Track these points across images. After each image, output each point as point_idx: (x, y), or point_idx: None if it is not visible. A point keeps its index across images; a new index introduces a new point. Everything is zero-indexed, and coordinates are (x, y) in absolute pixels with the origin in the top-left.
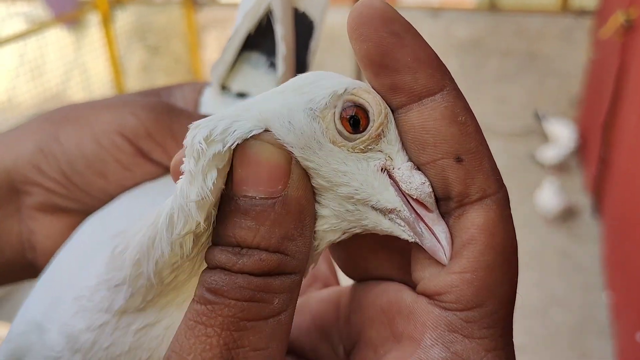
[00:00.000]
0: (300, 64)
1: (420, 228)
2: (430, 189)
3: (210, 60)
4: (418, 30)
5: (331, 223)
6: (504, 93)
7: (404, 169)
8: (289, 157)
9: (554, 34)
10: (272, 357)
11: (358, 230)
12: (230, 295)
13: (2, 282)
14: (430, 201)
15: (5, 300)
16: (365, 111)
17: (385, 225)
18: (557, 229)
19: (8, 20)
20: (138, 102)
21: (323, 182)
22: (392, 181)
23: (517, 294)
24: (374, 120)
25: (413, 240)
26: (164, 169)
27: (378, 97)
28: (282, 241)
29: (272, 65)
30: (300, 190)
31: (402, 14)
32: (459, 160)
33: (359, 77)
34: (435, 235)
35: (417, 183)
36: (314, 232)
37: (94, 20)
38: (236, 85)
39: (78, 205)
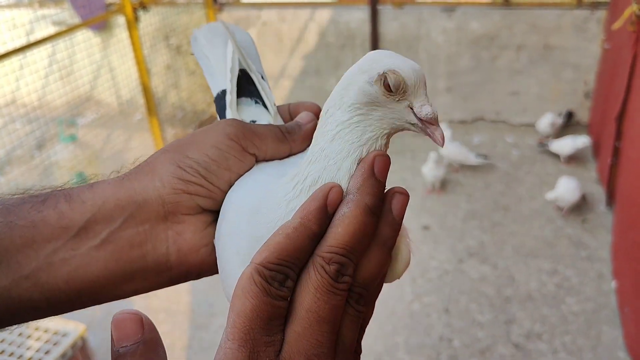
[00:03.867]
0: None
1: (427, 131)
2: (433, 114)
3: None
4: (434, 26)
5: (389, 127)
6: (518, 86)
7: (418, 106)
8: None
9: (568, 26)
10: None
11: (398, 130)
12: None
13: (141, 287)
14: (433, 119)
15: None
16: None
17: (411, 129)
18: (572, 219)
19: (36, 23)
20: (226, 120)
21: (383, 114)
22: (413, 112)
23: (530, 283)
24: (396, 87)
25: (422, 133)
26: (255, 157)
27: (400, 74)
28: None
29: (256, 101)
30: None
31: (418, 11)
32: None
33: None
34: (433, 135)
35: (425, 112)
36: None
37: (119, 22)
38: (245, 117)
39: (213, 204)
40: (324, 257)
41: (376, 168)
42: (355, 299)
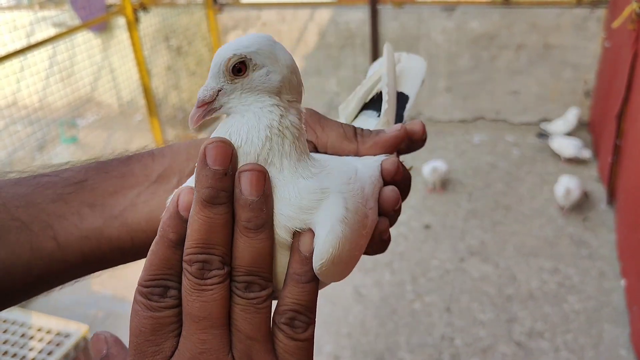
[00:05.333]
0: (399, 117)
1: None
2: (198, 97)
3: None
4: (434, 26)
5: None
6: (518, 85)
7: None
8: None
9: (567, 25)
10: None
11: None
12: None
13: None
14: (198, 102)
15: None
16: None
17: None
18: (573, 217)
19: (36, 25)
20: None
21: None
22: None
23: (532, 282)
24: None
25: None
26: (313, 144)
27: None
28: None
29: (378, 115)
30: None
31: (418, 10)
32: None
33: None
34: None
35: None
36: None
37: (120, 23)
38: (357, 124)
39: None
40: (185, 260)
41: (208, 158)
42: (240, 288)
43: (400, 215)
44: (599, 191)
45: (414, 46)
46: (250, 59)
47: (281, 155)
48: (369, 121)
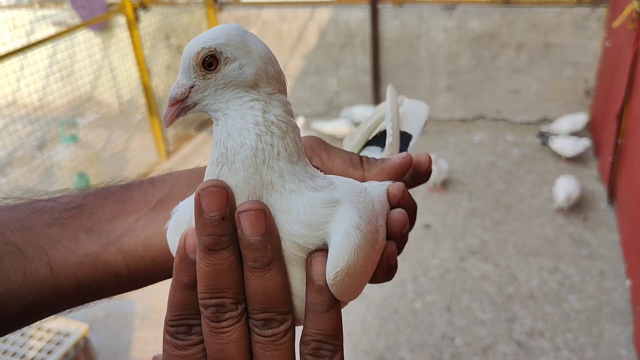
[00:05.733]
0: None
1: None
2: (170, 94)
3: None
4: (434, 25)
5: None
6: (518, 84)
7: None
8: None
9: (568, 24)
10: None
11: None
12: None
13: (120, 287)
14: (170, 100)
15: None
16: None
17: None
18: (573, 217)
19: (36, 24)
20: (309, 135)
21: None
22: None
23: (532, 281)
24: None
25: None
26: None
27: None
28: None
29: (382, 150)
30: None
31: (418, 9)
32: None
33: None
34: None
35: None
36: None
37: (120, 22)
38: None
39: None
40: (200, 304)
41: (203, 205)
42: (258, 325)
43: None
44: (600, 190)
45: (415, 45)
46: (221, 51)
47: (276, 155)
48: (373, 155)
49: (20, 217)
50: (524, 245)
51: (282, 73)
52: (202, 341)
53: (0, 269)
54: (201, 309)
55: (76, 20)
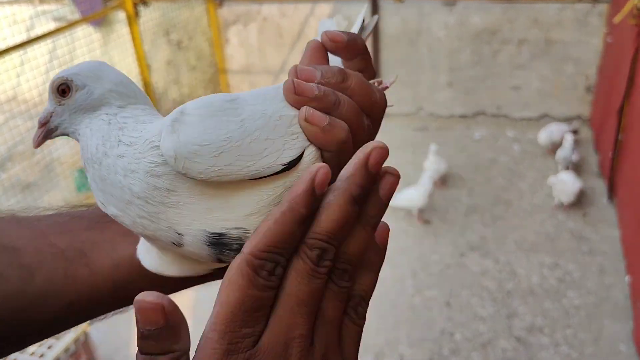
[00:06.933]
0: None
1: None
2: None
3: (232, 55)
4: (435, 20)
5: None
6: (519, 81)
7: None
8: None
9: (569, 20)
10: None
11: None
12: None
13: (95, 310)
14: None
15: None
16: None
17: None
18: (573, 213)
19: (36, 19)
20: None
21: None
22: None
23: (532, 277)
24: None
25: None
26: None
27: None
28: None
29: None
30: None
31: (419, 5)
32: None
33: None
34: None
35: None
36: None
37: (120, 17)
38: None
39: None
40: (307, 244)
41: (371, 159)
42: (338, 275)
43: (401, 210)
44: (600, 186)
45: (415, 41)
46: (72, 80)
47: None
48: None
49: (61, 222)
50: (524, 241)
51: (141, 90)
52: (278, 286)
53: (44, 270)
54: (305, 248)
55: (76, 16)
